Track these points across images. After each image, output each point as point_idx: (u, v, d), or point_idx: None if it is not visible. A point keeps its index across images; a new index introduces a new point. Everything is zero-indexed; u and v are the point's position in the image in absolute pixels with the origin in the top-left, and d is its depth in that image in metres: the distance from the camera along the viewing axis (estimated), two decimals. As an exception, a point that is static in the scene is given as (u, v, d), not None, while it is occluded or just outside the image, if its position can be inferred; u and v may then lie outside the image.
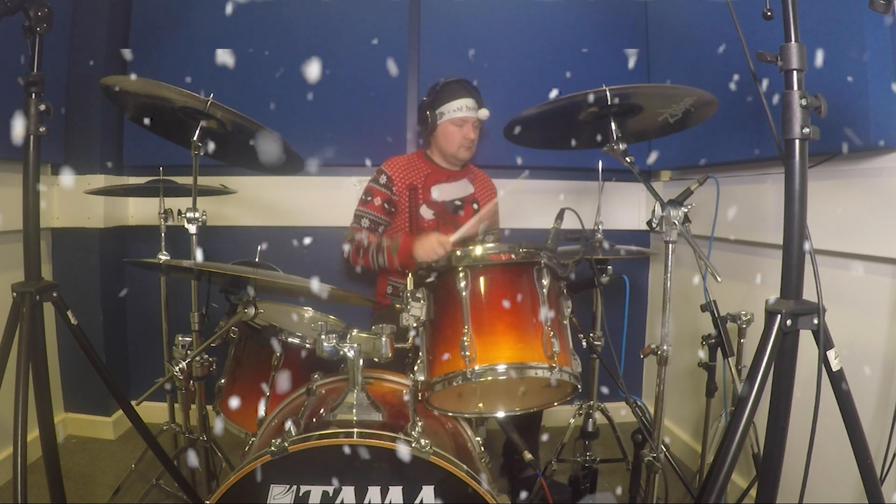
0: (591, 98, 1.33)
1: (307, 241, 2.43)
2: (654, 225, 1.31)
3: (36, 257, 1.36)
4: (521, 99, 2.33)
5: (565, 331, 1.32)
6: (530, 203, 2.50)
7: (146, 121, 1.54)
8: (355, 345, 1.19)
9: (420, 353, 1.30)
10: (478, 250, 1.29)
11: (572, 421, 1.93)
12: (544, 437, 2.02)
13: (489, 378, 1.20)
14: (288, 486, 1.05)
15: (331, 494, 1.04)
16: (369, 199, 2.07)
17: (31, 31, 1.28)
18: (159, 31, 2.37)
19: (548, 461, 1.91)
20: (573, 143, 1.62)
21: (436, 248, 1.80)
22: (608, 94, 1.31)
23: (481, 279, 1.29)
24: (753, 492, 1.43)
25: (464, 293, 1.26)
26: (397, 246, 1.91)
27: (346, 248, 2.02)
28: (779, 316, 1.05)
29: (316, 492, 1.04)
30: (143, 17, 2.37)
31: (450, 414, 1.34)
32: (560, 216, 1.51)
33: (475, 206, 2.15)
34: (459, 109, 2.01)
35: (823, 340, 1.05)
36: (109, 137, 2.37)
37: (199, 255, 1.46)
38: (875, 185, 1.46)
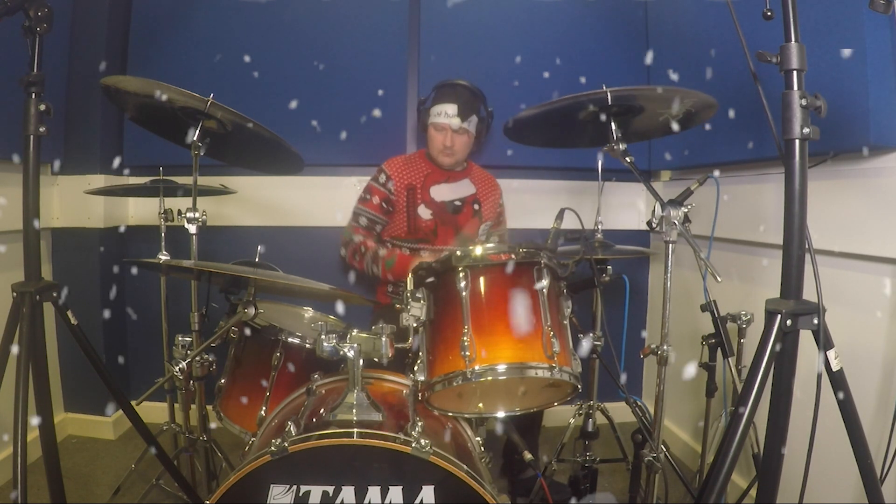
0: (590, 99, 1.33)
1: (307, 241, 2.44)
2: (654, 225, 1.30)
3: (36, 257, 1.36)
4: (521, 99, 2.34)
5: (565, 331, 1.32)
6: (530, 203, 2.50)
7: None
8: (355, 345, 1.19)
9: (420, 353, 1.30)
10: (478, 250, 1.29)
11: (572, 421, 1.93)
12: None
13: (489, 378, 1.20)
14: (288, 486, 1.04)
15: (331, 494, 1.04)
16: (368, 197, 2.08)
17: (31, 31, 1.28)
18: (159, 31, 2.37)
19: (548, 461, 1.91)
20: (573, 143, 1.62)
21: None
22: (609, 95, 1.31)
23: (481, 279, 1.29)
24: (753, 492, 1.43)
25: (464, 293, 1.26)
26: (393, 263, 1.93)
27: (343, 250, 2.03)
28: (779, 316, 1.05)
29: (316, 492, 1.04)
30: (143, 17, 2.37)
31: (450, 414, 1.34)
32: (560, 216, 1.51)
33: (476, 206, 2.15)
34: (438, 115, 2.01)
35: (823, 340, 1.05)
36: (109, 137, 2.37)
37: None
38: (875, 185, 1.46)
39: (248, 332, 1.63)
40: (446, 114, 2.00)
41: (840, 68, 1.41)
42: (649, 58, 2.44)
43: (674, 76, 2.22)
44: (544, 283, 1.29)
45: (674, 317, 1.34)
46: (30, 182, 1.34)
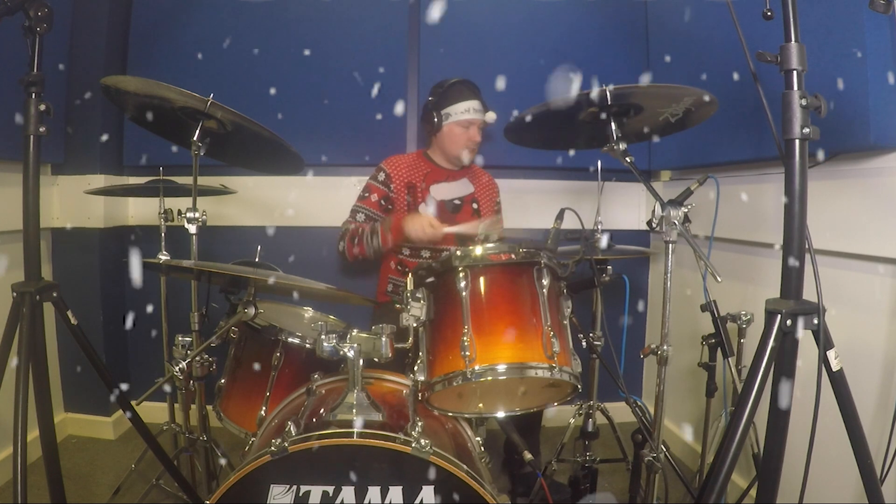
0: (591, 98, 1.33)
1: (307, 241, 2.44)
2: (654, 225, 1.30)
3: (36, 257, 1.36)
4: (521, 99, 2.34)
5: (565, 331, 1.32)
6: (530, 203, 2.50)
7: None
8: (355, 345, 1.18)
9: (420, 353, 1.30)
10: (478, 250, 1.29)
11: (572, 421, 1.93)
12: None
13: (489, 378, 1.20)
14: (288, 486, 1.04)
15: (331, 494, 1.04)
16: (367, 195, 2.08)
17: (31, 31, 1.28)
18: (159, 31, 2.37)
19: (548, 461, 1.91)
20: (573, 143, 1.62)
21: (426, 227, 1.82)
22: (608, 94, 1.31)
23: (481, 279, 1.29)
24: (753, 492, 1.43)
25: (464, 293, 1.26)
26: (389, 224, 1.92)
27: (341, 243, 2.03)
28: (779, 316, 1.05)
29: (316, 492, 1.04)
30: (143, 17, 2.37)
31: (450, 414, 1.34)
32: (560, 216, 1.51)
33: (475, 205, 2.15)
34: (466, 112, 2.00)
35: (823, 340, 1.05)
36: (109, 137, 2.37)
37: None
38: (875, 185, 1.46)
39: (249, 332, 1.63)
40: (474, 109, 2.01)
41: (840, 68, 1.41)
42: (649, 57, 2.44)
43: (674, 76, 2.22)
44: (545, 282, 1.29)
45: (674, 317, 1.34)
46: (30, 182, 1.34)
